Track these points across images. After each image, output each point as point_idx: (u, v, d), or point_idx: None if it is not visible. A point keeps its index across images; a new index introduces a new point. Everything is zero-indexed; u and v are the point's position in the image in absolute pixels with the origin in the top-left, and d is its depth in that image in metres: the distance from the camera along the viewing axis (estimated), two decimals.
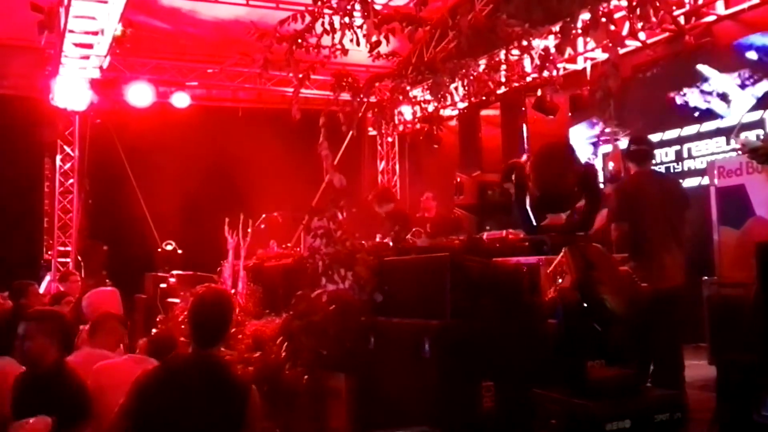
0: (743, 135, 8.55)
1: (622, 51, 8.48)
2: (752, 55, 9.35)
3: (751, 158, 6.39)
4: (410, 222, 9.06)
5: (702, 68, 9.96)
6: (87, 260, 12.74)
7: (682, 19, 9.86)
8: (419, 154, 15.36)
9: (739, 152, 7.22)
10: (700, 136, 9.78)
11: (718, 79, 9.82)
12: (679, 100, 10.30)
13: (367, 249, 5.83)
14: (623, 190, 6.30)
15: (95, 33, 10.46)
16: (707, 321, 7.39)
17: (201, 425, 3.52)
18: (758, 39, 9.28)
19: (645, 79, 10.57)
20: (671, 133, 10.21)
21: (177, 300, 8.37)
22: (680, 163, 10.07)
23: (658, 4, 5.05)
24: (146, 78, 13.19)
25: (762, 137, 8.36)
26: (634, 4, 5.01)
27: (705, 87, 9.98)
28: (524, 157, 8.56)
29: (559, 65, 8.56)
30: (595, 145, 11.46)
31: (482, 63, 7.55)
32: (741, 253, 6.98)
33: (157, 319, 7.98)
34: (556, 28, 5.80)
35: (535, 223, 5.27)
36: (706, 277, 7.57)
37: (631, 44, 9.95)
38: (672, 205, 6.24)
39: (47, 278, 12.52)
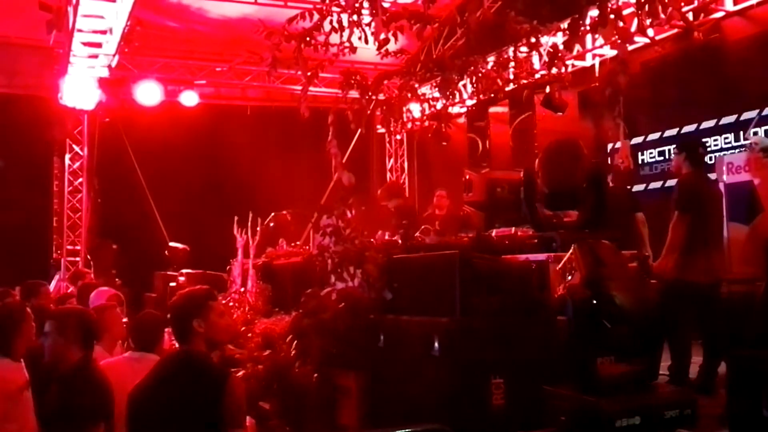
0: (752, 131, 8.55)
1: (630, 47, 8.46)
2: None
3: (764, 157, 6.45)
4: (417, 217, 9.08)
5: None
6: (96, 259, 12.76)
7: (690, 16, 9.82)
8: (428, 151, 15.34)
9: (751, 149, 7.22)
10: (708, 132, 9.74)
11: None
12: None
13: (376, 247, 5.83)
14: (686, 185, 6.56)
15: (104, 32, 10.49)
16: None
17: (178, 420, 3.54)
18: None
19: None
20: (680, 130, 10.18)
21: None
22: None
23: (666, 1, 5.05)
24: (155, 77, 13.19)
25: None
26: (643, 0, 5.01)
27: None
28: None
29: (568, 62, 8.53)
30: None
31: (491, 60, 7.54)
32: (750, 249, 6.96)
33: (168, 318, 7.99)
34: (565, 24, 5.81)
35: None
36: None
37: (640, 41, 9.91)
38: (719, 207, 6.78)
39: (56, 277, 12.55)
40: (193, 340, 3.73)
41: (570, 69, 9.09)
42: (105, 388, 4.23)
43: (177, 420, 3.53)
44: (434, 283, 4.96)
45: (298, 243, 8.83)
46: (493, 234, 5.87)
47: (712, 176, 7.71)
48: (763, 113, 8.87)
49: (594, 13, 5.32)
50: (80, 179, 13.25)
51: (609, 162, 10.73)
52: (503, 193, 6.70)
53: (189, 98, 13.64)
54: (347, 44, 6.20)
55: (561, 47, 6.31)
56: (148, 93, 13.14)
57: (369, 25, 6.02)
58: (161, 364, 3.83)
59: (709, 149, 9.67)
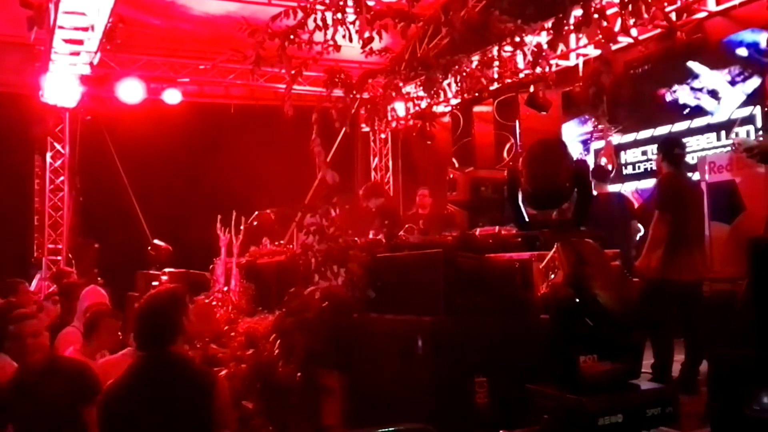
0: (735, 132, 8.61)
1: (614, 47, 8.51)
2: (742, 51, 9.39)
3: (748, 157, 6.50)
4: (399, 217, 9.09)
5: (692, 65, 10.02)
6: (78, 258, 12.67)
7: (673, 16, 9.89)
8: (412, 150, 15.35)
9: (734, 149, 7.27)
10: (690, 132, 9.81)
11: (708, 76, 9.88)
12: (669, 97, 10.36)
13: (360, 246, 5.82)
14: (666, 185, 6.63)
15: (85, 29, 10.40)
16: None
17: (166, 424, 3.50)
18: (748, 36, 9.31)
19: (636, 76, 10.63)
20: (662, 129, 10.23)
21: None
22: None
23: (649, 1, 5.07)
24: (137, 74, 13.11)
25: (757, 136, 8.42)
26: (626, 0, 5.03)
27: (695, 84, 10.03)
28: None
29: (552, 62, 8.57)
30: (586, 142, 11.52)
31: (475, 59, 7.55)
32: (732, 248, 7.01)
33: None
34: (549, 24, 5.82)
35: (527, 219, 5.29)
36: None
37: (623, 41, 9.97)
38: (699, 207, 6.84)
39: (38, 276, 12.45)
40: (178, 340, 3.68)
41: (554, 69, 9.13)
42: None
43: (163, 423, 3.48)
44: (418, 281, 4.96)
45: (281, 242, 8.80)
46: (477, 233, 5.88)
47: (695, 176, 7.77)
48: (746, 113, 8.95)
49: (578, 12, 5.34)
50: (62, 177, 13.14)
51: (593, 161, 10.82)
52: (487, 192, 6.72)
53: (172, 96, 13.56)
54: (331, 42, 6.20)
55: (545, 46, 6.33)
56: (131, 91, 13.05)
57: (353, 23, 6.01)
58: (141, 366, 3.72)
59: (691, 149, 9.74)
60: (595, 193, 8.23)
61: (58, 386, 4.12)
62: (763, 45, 9.13)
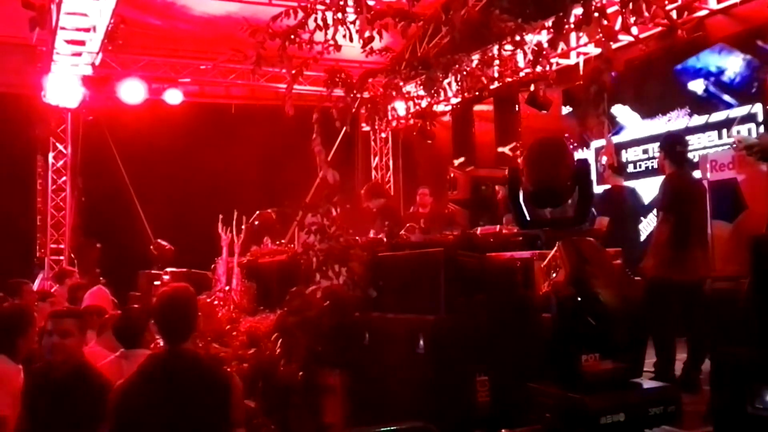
0: (736, 130, 8.59)
1: (614, 46, 8.50)
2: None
3: (747, 155, 6.47)
4: (400, 218, 9.10)
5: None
6: (80, 258, 12.70)
7: (674, 14, 9.87)
8: (413, 149, 15.35)
9: (735, 148, 7.24)
10: (692, 130, 9.78)
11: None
12: None
13: (361, 245, 5.83)
14: (671, 185, 6.65)
15: (87, 30, 10.42)
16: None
17: (186, 421, 3.50)
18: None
19: None
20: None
21: None
22: None
23: None
24: (138, 75, 13.14)
25: (759, 134, 8.39)
26: None
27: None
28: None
29: (552, 60, 8.57)
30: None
31: (475, 58, 7.54)
32: (734, 246, 6.99)
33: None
34: (549, 23, 5.82)
35: (528, 218, 5.29)
36: None
37: (624, 39, 9.96)
38: (703, 205, 6.85)
39: (40, 276, 12.47)
40: (191, 338, 3.70)
41: (554, 67, 9.13)
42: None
43: (182, 420, 3.47)
44: (419, 280, 4.95)
45: (283, 241, 8.81)
46: (478, 232, 5.88)
47: (697, 174, 7.74)
48: (747, 111, 8.92)
49: (578, 11, 5.34)
50: (64, 178, 13.19)
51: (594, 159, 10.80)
52: (488, 191, 6.72)
53: (173, 96, 13.58)
54: (332, 42, 6.20)
55: (545, 45, 6.33)
56: (132, 91, 13.08)
57: (354, 23, 6.02)
58: (154, 365, 3.68)
59: (692, 147, 9.71)
60: (608, 187, 8.28)
61: (81, 400, 4.08)
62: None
